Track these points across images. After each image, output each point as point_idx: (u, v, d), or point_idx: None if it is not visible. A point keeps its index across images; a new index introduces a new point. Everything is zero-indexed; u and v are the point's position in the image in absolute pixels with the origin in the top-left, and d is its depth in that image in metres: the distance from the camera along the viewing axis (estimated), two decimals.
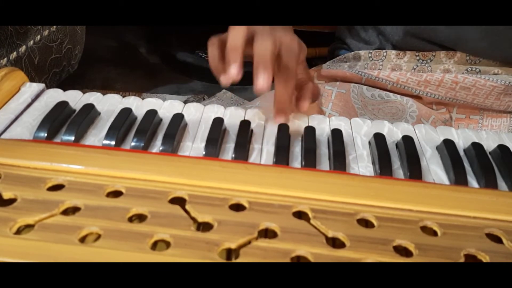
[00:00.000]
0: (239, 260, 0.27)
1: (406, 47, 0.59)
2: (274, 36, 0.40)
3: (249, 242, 0.28)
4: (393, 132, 0.42)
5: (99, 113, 0.42)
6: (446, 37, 0.55)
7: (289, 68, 0.41)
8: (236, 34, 0.39)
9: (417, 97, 0.58)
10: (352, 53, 0.64)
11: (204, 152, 0.38)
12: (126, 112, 0.41)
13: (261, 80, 0.38)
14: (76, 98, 0.44)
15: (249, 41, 0.40)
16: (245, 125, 0.41)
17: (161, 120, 0.42)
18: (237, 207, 0.31)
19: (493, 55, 0.55)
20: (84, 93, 0.45)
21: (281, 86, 0.41)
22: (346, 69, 0.62)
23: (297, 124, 0.42)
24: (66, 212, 0.30)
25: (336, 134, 0.40)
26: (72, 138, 0.38)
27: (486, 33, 0.53)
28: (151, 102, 0.44)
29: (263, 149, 0.39)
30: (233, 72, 0.38)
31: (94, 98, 0.44)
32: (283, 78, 0.41)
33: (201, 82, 1.13)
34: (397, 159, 0.39)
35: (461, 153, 0.39)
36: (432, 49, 0.57)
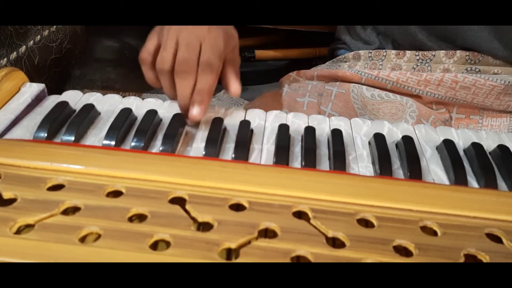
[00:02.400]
0: (239, 260, 0.27)
1: (406, 40, 0.59)
2: (196, 43, 0.42)
3: (249, 242, 0.28)
4: (393, 132, 0.42)
5: (99, 113, 0.42)
6: (447, 28, 0.55)
7: (210, 64, 0.42)
8: (165, 83, 0.43)
9: (417, 97, 0.58)
10: (352, 53, 0.64)
11: (204, 152, 0.38)
12: (126, 112, 0.41)
13: (195, 111, 0.41)
14: (76, 98, 0.44)
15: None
16: (245, 125, 0.41)
17: (161, 120, 0.42)
18: (237, 207, 0.31)
19: (492, 46, 0.54)
20: (84, 93, 0.45)
21: (200, 80, 0.42)
22: (346, 69, 0.61)
23: (297, 124, 0.42)
24: (66, 212, 0.30)
25: (336, 134, 0.40)
26: (72, 138, 0.38)
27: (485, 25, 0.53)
28: (151, 102, 0.44)
29: (263, 149, 0.39)
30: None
31: (94, 98, 0.44)
32: (202, 73, 0.42)
33: None
34: (397, 159, 0.39)
35: (461, 153, 0.39)
36: (432, 42, 0.57)
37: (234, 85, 0.46)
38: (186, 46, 0.41)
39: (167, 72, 0.42)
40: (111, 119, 0.40)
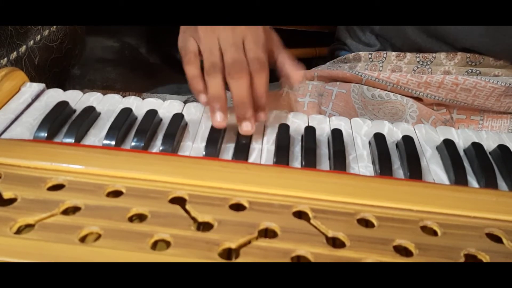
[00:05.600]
0: (239, 260, 0.27)
1: (404, 45, 0.59)
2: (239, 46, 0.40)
3: (249, 242, 0.28)
4: (393, 132, 0.42)
5: (99, 113, 0.42)
6: (446, 30, 0.55)
7: (261, 60, 0.41)
8: (216, 82, 0.40)
9: (417, 99, 0.58)
10: (352, 54, 0.64)
11: (204, 152, 0.38)
12: (126, 112, 0.41)
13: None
14: (76, 98, 0.44)
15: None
16: None
17: (161, 120, 0.42)
18: (237, 207, 0.31)
19: (494, 50, 0.54)
20: (84, 93, 0.45)
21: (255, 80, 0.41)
22: (346, 70, 0.61)
23: (297, 124, 0.42)
24: (66, 212, 0.30)
25: (336, 134, 0.40)
26: (72, 141, 0.38)
27: (487, 28, 0.53)
28: (151, 102, 0.44)
29: (263, 149, 0.39)
30: (219, 119, 0.40)
31: (94, 98, 0.44)
32: (256, 72, 0.40)
33: None
34: (397, 159, 0.39)
35: (461, 153, 0.39)
36: (432, 44, 0.57)
37: (293, 73, 0.44)
38: (233, 47, 0.40)
39: (219, 75, 0.40)
40: (111, 119, 0.40)
